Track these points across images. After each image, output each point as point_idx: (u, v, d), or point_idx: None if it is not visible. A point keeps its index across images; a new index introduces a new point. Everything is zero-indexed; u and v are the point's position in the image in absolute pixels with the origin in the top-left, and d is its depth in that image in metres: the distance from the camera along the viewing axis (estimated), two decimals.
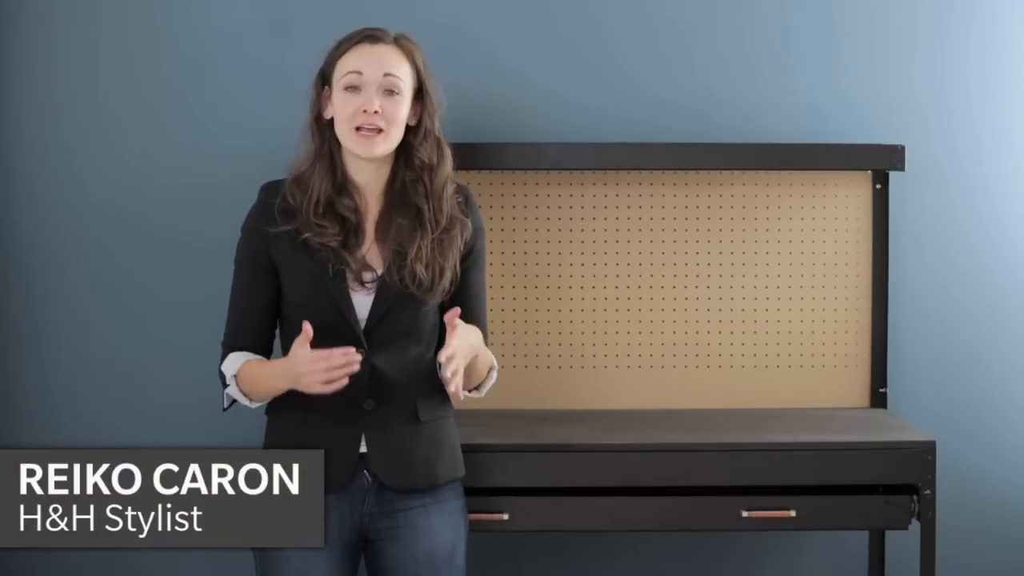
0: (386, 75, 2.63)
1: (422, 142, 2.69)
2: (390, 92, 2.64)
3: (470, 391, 2.75)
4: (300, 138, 2.72)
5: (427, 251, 2.65)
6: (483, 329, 2.76)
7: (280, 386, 2.61)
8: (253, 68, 3.34)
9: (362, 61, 2.63)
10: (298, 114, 2.74)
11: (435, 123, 2.71)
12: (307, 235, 2.63)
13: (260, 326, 2.71)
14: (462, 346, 2.54)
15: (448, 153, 2.72)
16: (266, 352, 2.72)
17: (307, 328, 2.51)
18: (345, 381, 2.50)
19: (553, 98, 3.37)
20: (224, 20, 3.35)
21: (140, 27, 3.35)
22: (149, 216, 3.36)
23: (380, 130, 2.62)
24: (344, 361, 2.49)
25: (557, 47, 3.38)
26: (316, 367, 2.50)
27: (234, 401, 2.69)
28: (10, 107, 3.35)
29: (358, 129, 2.62)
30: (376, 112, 2.61)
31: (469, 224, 2.72)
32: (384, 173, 2.70)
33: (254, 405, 2.68)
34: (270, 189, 2.71)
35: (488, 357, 2.73)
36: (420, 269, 2.63)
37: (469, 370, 2.66)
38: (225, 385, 2.68)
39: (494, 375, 2.76)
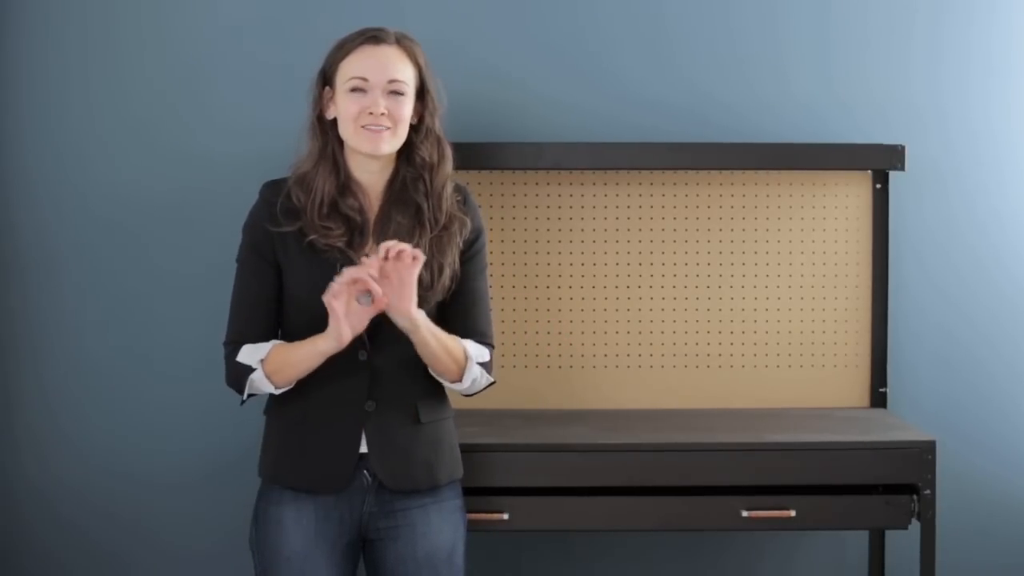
0: (391, 80, 2.63)
1: (423, 140, 2.69)
2: (395, 93, 2.64)
3: (453, 383, 2.71)
4: (300, 138, 2.71)
5: (426, 250, 2.64)
6: (487, 330, 2.76)
7: (321, 346, 2.57)
8: (248, 72, 3.34)
9: (366, 64, 2.63)
10: (293, 118, 2.75)
11: (436, 121, 2.71)
12: (313, 237, 2.63)
13: (267, 321, 2.69)
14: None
15: (448, 152, 2.72)
16: None
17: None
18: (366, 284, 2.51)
19: (551, 100, 3.37)
20: (220, 24, 3.34)
21: (136, 30, 3.34)
22: (145, 220, 3.35)
23: (387, 127, 2.62)
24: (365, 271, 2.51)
25: (555, 51, 3.37)
26: (347, 277, 2.50)
27: (251, 395, 2.67)
28: (5, 110, 3.34)
29: (364, 128, 2.62)
30: (383, 114, 2.61)
31: (468, 222, 2.72)
32: (387, 172, 2.70)
33: (278, 391, 2.64)
34: (272, 188, 2.70)
35: (456, 343, 2.68)
36: (420, 268, 2.63)
37: (431, 348, 2.62)
38: (250, 371, 2.63)
39: (473, 365, 2.69)
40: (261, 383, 2.64)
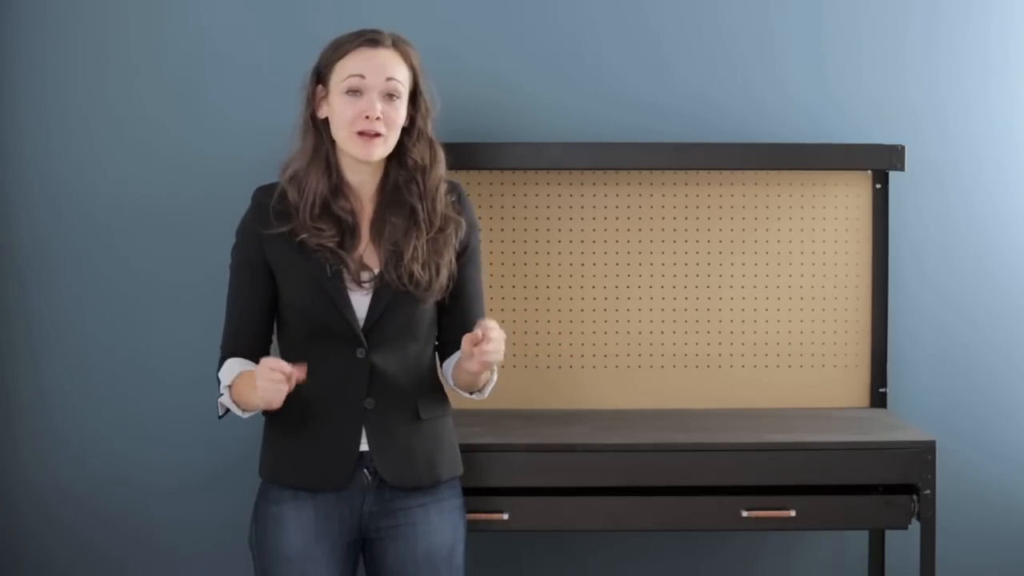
0: (388, 80, 2.63)
1: (415, 143, 2.69)
2: (390, 96, 2.64)
3: (472, 393, 2.75)
4: (292, 138, 2.71)
5: (423, 251, 2.65)
6: None
7: (254, 399, 2.56)
8: (243, 75, 3.34)
9: (364, 65, 2.63)
10: (290, 121, 2.73)
11: (428, 124, 2.71)
12: (304, 236, 2.63)
13: (257, 330, 2.70)
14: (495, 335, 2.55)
15: (441, 154, 2.72)
16: (263, 356, 2.68)
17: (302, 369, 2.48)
18: (278, 391, 2.47)
19: (548, 102, 3.36)
20: (215, 28, 3.34)
21: (132, 34, 3.34)
22: (142, 223, 3.35)
23: (380, 134, 2.62)
24: (286, 373, 2.46)
25: (552, 54, 3.37)
26: (271, 374, 2.46)
27: (228, 410, 2.68)
28: (2, 113, 3.34)
29: (360, 134, 2.62)
30: (378, 118, 2.61)
31: (463, 223, 2.72)
32: (378, 174, 2.70)
33: (246, 415, 2.66)
34: (264, 191, 2.71)
35: None
36: (417, 269, 2.63)
37: (474, 374, 2.67)
38: (220, 394, 2.66)
39: (495, 376, 2.75)
40: (232, 408, 2.65)
